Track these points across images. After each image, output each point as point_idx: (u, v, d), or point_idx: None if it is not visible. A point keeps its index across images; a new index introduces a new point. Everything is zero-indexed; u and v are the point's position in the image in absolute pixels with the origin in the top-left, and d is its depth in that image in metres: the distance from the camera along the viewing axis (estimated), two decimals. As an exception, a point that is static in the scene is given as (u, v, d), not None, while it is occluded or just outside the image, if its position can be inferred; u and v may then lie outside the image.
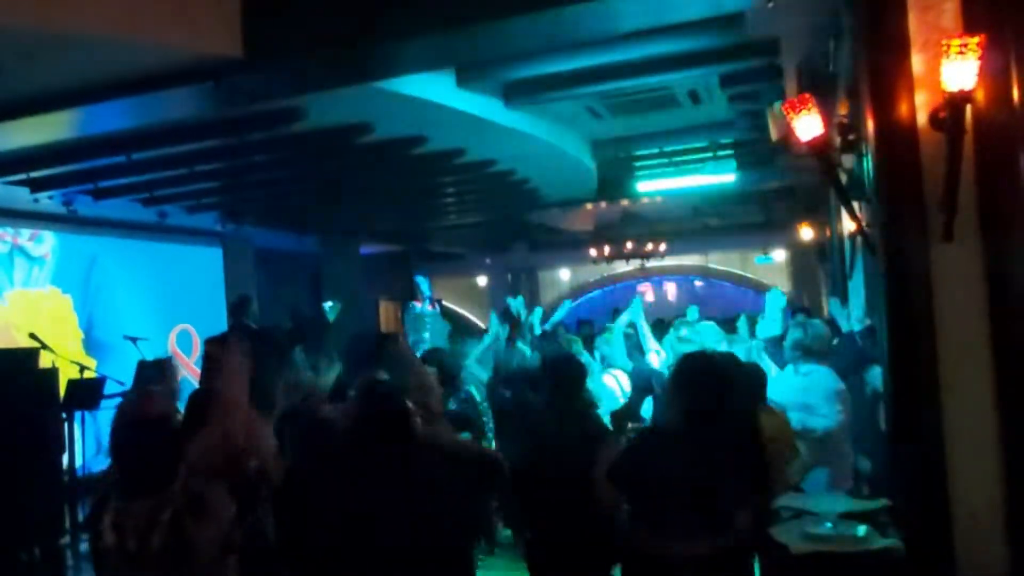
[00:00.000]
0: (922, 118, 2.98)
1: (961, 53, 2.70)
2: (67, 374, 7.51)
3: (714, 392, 3.05)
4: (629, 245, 14.33)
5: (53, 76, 4.86)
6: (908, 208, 3.02)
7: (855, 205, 3.78)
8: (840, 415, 4.19)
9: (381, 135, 6.81)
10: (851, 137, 4.09)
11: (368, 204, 10.28)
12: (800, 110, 3.34)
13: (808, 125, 3.36)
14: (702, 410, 3.04)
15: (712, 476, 2.95)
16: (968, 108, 2.81)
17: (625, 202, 12.20)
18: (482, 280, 17.93)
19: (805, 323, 4.65)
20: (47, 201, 8.25)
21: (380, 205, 10.49)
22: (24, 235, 9.30)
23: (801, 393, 4.31)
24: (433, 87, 6.03)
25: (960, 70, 2.71)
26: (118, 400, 6.67)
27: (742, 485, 3.04)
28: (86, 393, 7.34)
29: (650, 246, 14.35)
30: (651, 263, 15.31)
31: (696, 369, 3.19)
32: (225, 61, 4.72)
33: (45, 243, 9.53)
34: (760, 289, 16.14)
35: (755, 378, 4.04)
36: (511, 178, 9.23)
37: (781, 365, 4.69)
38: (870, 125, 3.19)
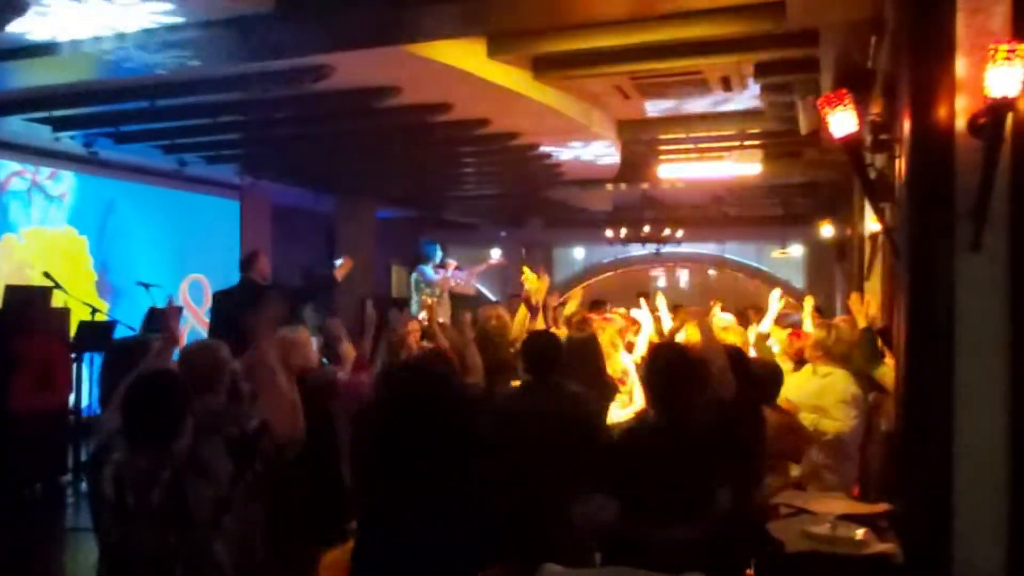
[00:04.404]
0: (960, 123, 2.91)
1: (1008, 59, 2.63)
2: (79, 315, 7.56)
3: (683, 381, 3.05)
4: (646, 229, 14.23)
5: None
6: (937, 214, 2.96)
7: (882, 206, 3.73)
8: (854, 420, 4.15)
9: (407, 99, 6.76)
10: (883, 137, 4.02)
11: (387, 168, 10.23)
12: (836, 105, 3.28)
13: (842, 121, 3.30)
14: (673, 398, 3.04)
15: (690, 464, 2.94)
16: (1009, 116, 2.75)
17: (645, 185, 12.10)
18: (495, 253, 17.85)
19: (829, 324, 4.59)
20: (68, 141, 8.25)
21: (399, 170, 10.44)
22: (43, 173, 9.32)
23: (816, 395, 4.27)
24: (463, 55, 5.96)
25: (1005, 76, 2.65)
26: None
27: (724, 475, 3.04)
28: (96, 335, 7.39)
29: (667, 231, 14.25)
30: (666, 249, 15.22)
31: (667, 359, 3.20)
32: (255, 14, 4.67)
33: (64, 183, 9.55)
34: (774, 283, 16.09)
35: (766, 374, 4.02)
36: (533, 152, 9.16)
37: None
38: (906, 126, 3.12)
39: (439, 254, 9.06)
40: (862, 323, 4.99)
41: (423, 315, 7.05)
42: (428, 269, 8.85)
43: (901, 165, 3.30)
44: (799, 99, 6.89)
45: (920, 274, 3.03)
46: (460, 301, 8.77)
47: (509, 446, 3.51)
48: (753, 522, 3.26)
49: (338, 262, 6.60)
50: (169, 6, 4.62)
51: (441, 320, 6.68)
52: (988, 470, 2.90)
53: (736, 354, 3.79)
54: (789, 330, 5.56)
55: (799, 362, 4.93)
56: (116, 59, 5.26)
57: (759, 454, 3.54)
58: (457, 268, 9.16)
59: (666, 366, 3.14)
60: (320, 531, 3.22)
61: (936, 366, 2.95)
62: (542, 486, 3.43)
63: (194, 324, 10.31)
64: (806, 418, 4.15)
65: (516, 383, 4.00)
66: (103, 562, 2.49)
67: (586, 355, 4.54)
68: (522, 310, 5.48)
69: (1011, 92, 2.67)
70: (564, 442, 3.47)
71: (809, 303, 5.95)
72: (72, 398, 7.19)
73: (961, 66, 2.93)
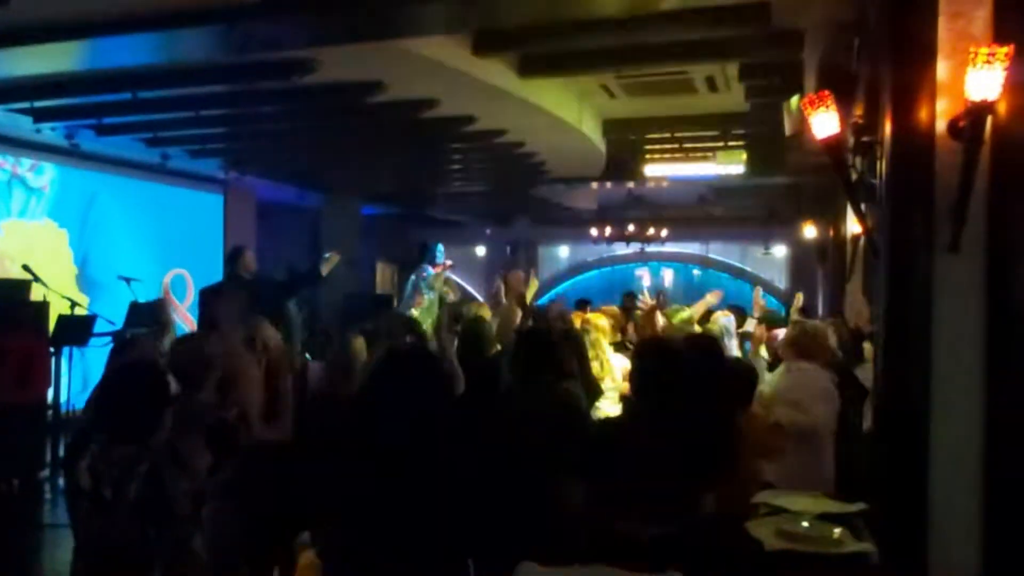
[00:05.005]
0: (941, 125, 2.94)
1: (988, 62, 2.66)
2: (58, 309, 7.49)
3: (670, 377, 3.11)
4: (631, 227, 14.28)
5: (64, 4, 4.78)
6: (917, 215, 2.99)
7: (863, 207, 3.75)
8: (827, 414, 4.18)
9: (393, 95, 6.74)
10: (865, 139, 4.04)
11: (373, 164, 10.19)
12: (818, 107, 3.30)
13: (824, 123, 3.33)
14: (659, 394, 3.10)
15: (671, 460, 2.97)
16: (989, 119, 2.77)
17: (630, 184, 12.14)
18: (481, 250, 17.88)
19: (803, 322, 4.63)
20: (50, 132, 8.15)
21: (385, 166, 10.41)
22: (24, 165, 9.21)
23: (790, 389, 4.31)
24: (450, 52, 5.95)
25: (985, 79, 2.68)
26: (108, 339, 6.68)
27: (704, 473, 3.07)
28: (76, 329, 7.33)
29: (652, 231, 14.31)
30: (651, 248, 15.27)
31: (655, 353, 3.29)
32: (241, 6, 4.64)
33: (45, 175, 9.44)
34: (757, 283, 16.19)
35: (743, 374, 4.05)
36: (519, 150, 9.16)
37: None
38: (887, 128, 3.15)
39: (441, 255, 9.02)
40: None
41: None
42: (431, 269, 8.80)
43: (882, 167, 3.32)
44: (783, 101, 6.93)
45: (898, 274, 3.06)
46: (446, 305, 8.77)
47: (498, 444, 3.51)
48: (730, 520, 3.28)
49: (326, 255, 6.57)
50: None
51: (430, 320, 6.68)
52: (964, 469, 2.93)
53: (712, 354, 3.80)
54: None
55: (774, 363, 4.98)
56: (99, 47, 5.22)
57: (735, 453, 3.56)
58: (452, 266, 9.13)
59: (651, 362, 3.20)
60: (296, 527, 3.21)
61: (913, 365, 2.98)
62: (530, 484, 3.43)
63: (177, 319, 10.23)
64: (781, 411, 4.18)
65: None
66: (78, 557, 2.47)
67: (571, 351, 4.52)
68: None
69: (991, 95, 2.70)
70: (553, 438, 3.47)
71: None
72: (51, 393, 7.12)
73: (942, 69, 2.96)
